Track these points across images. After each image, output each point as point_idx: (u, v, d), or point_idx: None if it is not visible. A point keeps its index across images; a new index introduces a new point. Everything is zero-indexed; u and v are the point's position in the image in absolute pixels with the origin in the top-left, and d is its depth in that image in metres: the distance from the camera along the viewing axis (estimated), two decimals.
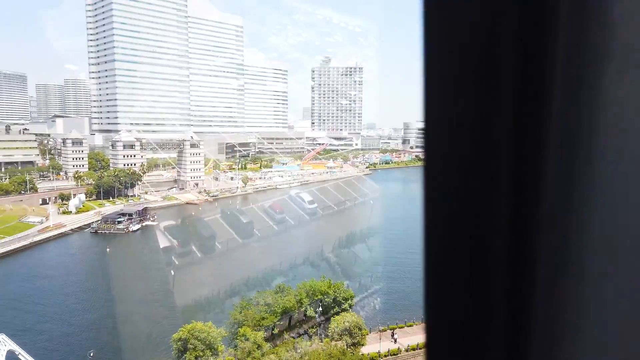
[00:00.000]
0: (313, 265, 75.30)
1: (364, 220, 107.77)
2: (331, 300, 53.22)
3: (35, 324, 59.22)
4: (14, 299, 69.61)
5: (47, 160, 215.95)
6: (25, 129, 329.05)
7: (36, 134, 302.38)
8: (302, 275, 67.40)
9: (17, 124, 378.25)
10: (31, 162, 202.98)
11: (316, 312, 52.79)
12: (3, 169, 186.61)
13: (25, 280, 79.05)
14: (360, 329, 48.96)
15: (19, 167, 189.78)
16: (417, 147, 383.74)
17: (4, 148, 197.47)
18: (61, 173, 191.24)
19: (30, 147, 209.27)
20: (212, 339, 42.59)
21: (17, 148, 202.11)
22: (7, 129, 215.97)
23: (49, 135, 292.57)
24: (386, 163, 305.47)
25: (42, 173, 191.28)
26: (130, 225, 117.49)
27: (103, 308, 65.49)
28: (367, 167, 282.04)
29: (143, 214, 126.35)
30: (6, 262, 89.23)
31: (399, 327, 56.71)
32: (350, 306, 54.57)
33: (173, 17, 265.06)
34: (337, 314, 51.59)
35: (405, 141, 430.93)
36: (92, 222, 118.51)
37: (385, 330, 55.59)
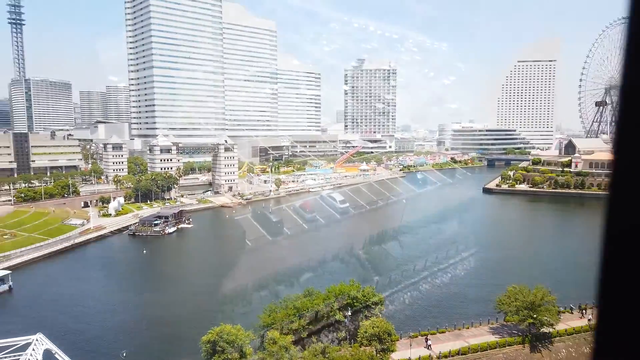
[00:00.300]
0: (343, 262, 74.98)
1: (396, 219, 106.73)
2: (361, 305, 52.60)
3: (74, 324, 61.28)
4: (54, 299, 72.29)
5: (89, 165, 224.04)
6: (70, 135, 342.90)
7: (79, 139, 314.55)
8: (331, 271, 67.41)
9: (62, 129, 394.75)
10: (75, 167, 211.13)
11: (345, 317, 52.25)
12: (49, 173, 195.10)
13: (67, 281, 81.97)
14: (389, 335, 48.13)
15: (63, 172, 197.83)
16: (452, 149, 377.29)
17: (50, 153, 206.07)
18: (102, 177, 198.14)
19: (73, 152, 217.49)
20: (241, 341, 42.80)
21: (61, 153, 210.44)
22: (52, 135, 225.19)
23: (91, 140, 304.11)
24: (420, 165, 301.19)
25: (84, 177, 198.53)
26: (167, 227, 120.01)
27: (136, 309, 67.08)
28: (400, 170, 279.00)
29: (178, 216, 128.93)
30: (50, 263, 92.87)
31: (431, 334, 55.49)
32: (381, 311, 53.74)
33: (209, 24, 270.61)
34: (367, 318, 50.90)
35: (440, 143, 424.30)
36: (130, 225, 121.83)
37: (416, 337, 54.48)
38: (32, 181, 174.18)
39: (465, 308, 64.51)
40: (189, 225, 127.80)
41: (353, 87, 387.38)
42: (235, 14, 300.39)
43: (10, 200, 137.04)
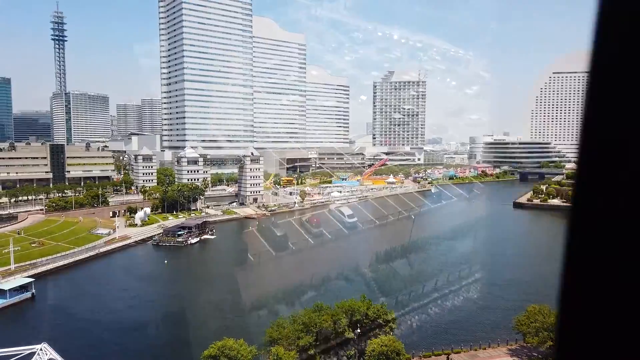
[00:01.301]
0: (347, 280, 73.11)
1: (406, 236, 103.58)
2: (370, 322, 51.12)
3: (84, 334, 62.08)
4: (71, 309, 73.57)
5: (121, 175, 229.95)
6: (105, 146, 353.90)
7: (113, 151, 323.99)
8: (335, 290, 65.76)
9: (98, 141, 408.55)
10: (107, 177, 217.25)
11: (354, 334, 50.84)
12: (82, 184, 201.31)
13: (87, 291, 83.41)
14: (399, 354, 46.45)
15: (96, 182, 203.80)
16: (483, 162, 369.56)
17: (84, 164, 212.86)
18: (132, 187, 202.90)
19: (107, 163, 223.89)
20: (243, 357, 42.08)
21: (95, 164, 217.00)
22: (87, 146, 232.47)
23: (124, 151, 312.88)
24: (450, 178, 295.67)
25: (116, 187, 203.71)
26: (189, 238, 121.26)
27: (146, 324, 67.43)
28: (429, 183, 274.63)
29: (202, 227, 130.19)
30: (74, 271, 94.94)
31: (445, 353, 53.41)
32: (392, 329, 52.08)
33: (239, 38, 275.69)
34: (376, 336, 49.36)
35: (471, 156, 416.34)
36: (155, 235, 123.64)
37: (429, 356, 52.48)
38: (65, 191, 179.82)
39: (482, 328, 61.95)
40: (212, 237, 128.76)
41: (381, 99, 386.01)
42: (265, 27, 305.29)
43: (42, 210, 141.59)
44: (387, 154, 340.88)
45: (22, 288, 78.31)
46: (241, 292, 70.86)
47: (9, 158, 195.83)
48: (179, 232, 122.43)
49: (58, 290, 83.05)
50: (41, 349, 39.10)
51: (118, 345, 58.03)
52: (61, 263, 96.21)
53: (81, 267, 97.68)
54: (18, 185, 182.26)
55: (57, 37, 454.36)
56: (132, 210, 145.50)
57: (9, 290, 75.50)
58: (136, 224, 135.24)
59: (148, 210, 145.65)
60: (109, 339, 59.62)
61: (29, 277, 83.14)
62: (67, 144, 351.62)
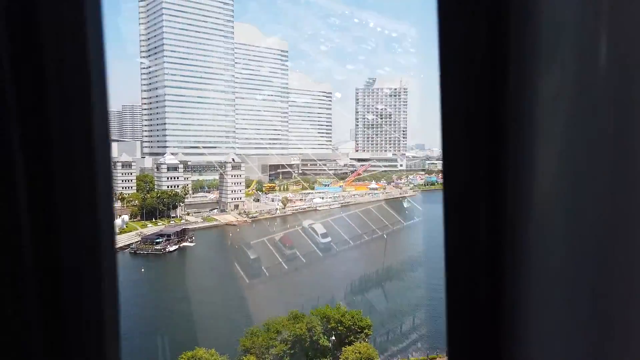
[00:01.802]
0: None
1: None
2: (346, 329, 50.81)
3: None
4: None
5: None
6: None
7: None
8: None
9: None
10: None
11: (330, 341, 50.48)
12: None
13: None
14: None
15: None
16: None
17: None
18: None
19: None
20: None
21: None
22: None
23: None
24: (431, 184, 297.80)
25: None
26: (168, 246, 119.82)
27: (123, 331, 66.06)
28: (410, 189, 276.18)
29: (181, 234, 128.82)
30: None
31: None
32: (367, 336, 51.87)
33: (220, 43, 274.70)
34: (351, 344, 49.08)
35: None
36: (132, 243, 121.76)
37: None
38: None
39: None
40: (191, 244, 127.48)
41: (363, 105, 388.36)
42: (247, 33, 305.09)
43: None
44: (369, 159, 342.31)
45: None
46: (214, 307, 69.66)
47: None
48: (157, 240, 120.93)
49: None
50: None
51: None
52: None
53: None
54: None
55: None
56: None
57: None
58: None
59: (126, 217, 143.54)
60: None
61: None
62: None
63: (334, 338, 50.21)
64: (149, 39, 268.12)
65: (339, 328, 50.52)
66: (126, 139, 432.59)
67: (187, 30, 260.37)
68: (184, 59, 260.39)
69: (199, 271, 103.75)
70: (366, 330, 51.60)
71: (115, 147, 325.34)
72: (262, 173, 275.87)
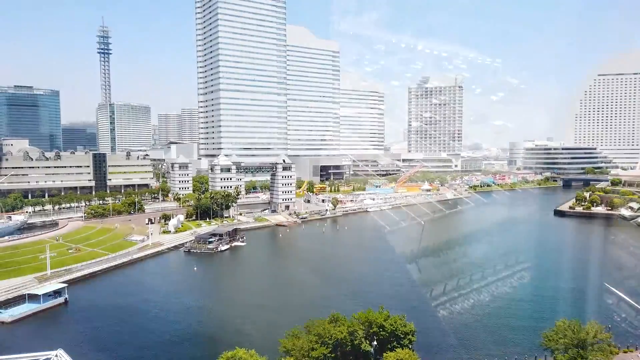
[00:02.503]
0: None
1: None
2: (388, 334, 49.62)
3: (104, 343, 63.67)
4: (101, 314, 75.59)
5: (159, 183, 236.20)
6: (146, 155, 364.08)
7: (154, 159, 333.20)
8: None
9: (140, 150, 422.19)
10: (146, 185, 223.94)
11: (372, 346, 49.51)
12: (122, 191, 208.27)
13: (118, 297, 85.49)
14: None
15: (136, 189, 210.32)
16: (524, 168, 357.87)
17: (124, 172, 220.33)
18: (169, 195, 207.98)
19: (146, 172, 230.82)
20: None
21: (135, 172, 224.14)
22: (128, 155, 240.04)
23: (164, 160, 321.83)
24: (488, 185, 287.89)
25: (154, 195, 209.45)
26: (220, 245, 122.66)
27: (170, 334, 68.26)
28: (465, 190, 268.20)
29: (232, 234, 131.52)
30: (108, 277, 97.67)
31: None
32: (411, 342, 50.38)
33: (273, 46, 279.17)
34: (393, 349, 47.87)
35: (511, 162, 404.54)
36: (186, 242, 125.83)
37: None
38: (106, 198, 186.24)
39: (508, 343, 59.27)
40: (242, 244, 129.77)
41: (417, 104, 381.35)
42: (299, 36, 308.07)
43: (81, 217, 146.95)
44: (422, 160, 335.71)
45: (56, 293, 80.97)
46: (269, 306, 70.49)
47: (55, 167, 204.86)
48: (210, 240, 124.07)
49: (90, 296, 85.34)
50: (56, 355, 40.01)
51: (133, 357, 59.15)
52: (95, 269, 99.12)
53: (114, 273, 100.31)
54: (62, 193, 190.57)
55: (102, 51, 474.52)
56: (167, 218, 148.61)
57: (43, 295, 78.20)
58: (169, 231, 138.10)
59: (182, 217, 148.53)
60: (126, 352, 60.78)
61: (63, 282, 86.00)
62: (111, 153, 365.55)
63: (375, 343, 49.23)
64: (205, 43, 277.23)
65: (381, 333, 49.48)
66: (185, 141, 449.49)
67: (241, 34, 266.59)
68: (238, 62, 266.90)
69: (247, 271, 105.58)
70: (410, 336, 50.15)
71: (174, 149, 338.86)
72: (314, 174, 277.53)
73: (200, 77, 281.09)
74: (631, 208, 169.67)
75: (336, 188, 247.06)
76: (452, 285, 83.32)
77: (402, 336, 50.17)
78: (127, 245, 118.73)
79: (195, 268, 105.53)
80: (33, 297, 78.57)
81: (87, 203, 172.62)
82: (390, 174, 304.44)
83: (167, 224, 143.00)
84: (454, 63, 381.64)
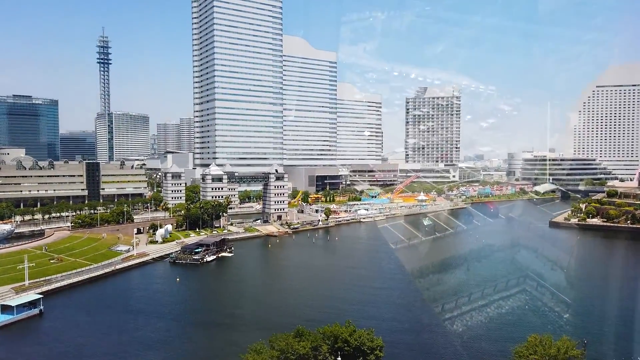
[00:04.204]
0: None
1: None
2: (352, 349, 48.06)
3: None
4: (74, 327, 74.11)
5: (151, 192, 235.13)
6: (143, 164, 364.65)
7: (150, 169, 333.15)
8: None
9: (138, 159, 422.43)
10: (140, 194, 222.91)
11: None
12: (116, 200, 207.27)
13: (94, 309, 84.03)
14: None
15: (129, 199, 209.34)
16: (523, 179, 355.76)
17: (118, 182, 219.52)
18: (162, 204, 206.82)
19: (139, 181, 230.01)
20: None
21: (128, 181, 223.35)
22: (122, 165, 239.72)
23: (159, 169, 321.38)
24: (485, 196, 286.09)
25: (147, 204, 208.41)
26: (206, 256, 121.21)
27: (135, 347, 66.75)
28: (462, 201, 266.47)
29: (220, 245, 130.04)
30: (88, 288, 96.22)
31: None
32: (378, 357, 48.80)
33: (269, 56, 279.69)
34: None
35: (510, 173, 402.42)
36: (172, 252, 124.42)
37: None
38: (97, 208, 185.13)
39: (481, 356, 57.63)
40: (230, 254, 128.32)
41: (414, 115, 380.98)
42: (296, 46, 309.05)
43: (67, 226, 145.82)
44: (419, 170, 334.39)
45: (31, 304, 79.46)
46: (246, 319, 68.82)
47: (48, 176, 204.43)
48: (196, 250, 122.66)
49: (67, 308, 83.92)
50: None
51: None
52: (76, 279, 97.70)
53: (95, 284, 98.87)
54: (55, 202, 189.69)
55: (102, 61, 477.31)
56: (155, 227, 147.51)
57: (17, 306, 76.72)
58: (157, 241, 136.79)
59: (170, 227, 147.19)
60: None
61: (41, 293, 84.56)
62: (109, 162, 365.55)
63: (340, 359, 47.65)
64: (201, 53, 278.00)
65: (346, 348, 47.91)
66: (182, 151, 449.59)
67: (237, 44, 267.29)
68: (234, 72, 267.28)
69: (229, 283, 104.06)
70: (377, 352, 48.59)
71: (170, 159, 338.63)
72: (309, 184, 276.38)
73: (196, 87, 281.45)
74: None
75: (331, 198, 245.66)
76: (433, 297, 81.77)
77: (368, 351, 48.62)
78: (112, 255, 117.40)
79: (178, 279, 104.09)
80: (7, 309, 77.11)
81: (78, 212, 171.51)
82: (388, 184, 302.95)
83: (155, 234, 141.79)
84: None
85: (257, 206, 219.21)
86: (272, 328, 57.50)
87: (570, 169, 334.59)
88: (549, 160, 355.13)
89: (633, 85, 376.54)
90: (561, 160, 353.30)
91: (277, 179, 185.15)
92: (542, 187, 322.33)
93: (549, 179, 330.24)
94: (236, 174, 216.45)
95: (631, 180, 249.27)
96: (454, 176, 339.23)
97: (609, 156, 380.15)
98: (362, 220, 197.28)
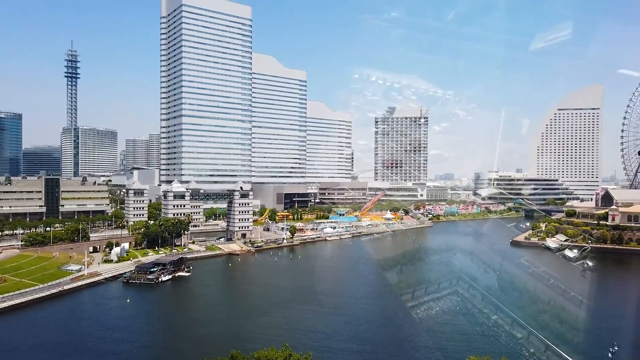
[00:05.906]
0: None
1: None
2: None
3: None
4: (13, 351, 70.30)
5: (113, 209, 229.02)
6: (109, 180, 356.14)
7: (115, 185, 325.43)
8: None
9: (104, 175, 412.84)
10: (102, 211, 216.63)
11: None
12: (75, 217, 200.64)
13: (34, 333, 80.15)
14: None
15: (90, 216, 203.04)
16: (489, 198, 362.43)
17: (78, 198, 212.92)
18: (124, 221, 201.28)
19: (101, 197, 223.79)
20: None
21: (90, 198, 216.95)
22: (83, 181, 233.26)
23: (124, 185, 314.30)
24: (451, 215, 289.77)
25: (108, 222, 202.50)
26: (162, 275, 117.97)
27: None
28: (429, 219, 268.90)
29: (177, 264, 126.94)
30: (33, 310, 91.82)
31: None
32: None
33: (238, 73, 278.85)
34: None
35: (476, 192, 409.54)
36: (126, 272, 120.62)
37: None
38: (54, 225, 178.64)
39: None
40: (187, 274, 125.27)
41: (383, 134, 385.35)
42: (266, 64, 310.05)
43: (18, 245, 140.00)
44: (388, 189, 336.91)
45: None
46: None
47: (4, 192, 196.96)
48: (152, 269, 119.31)
49: (3, 332, 79.79)
50: None
51: None
52: (19, 300, 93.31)
53: (40, 305, 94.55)
54: (11, 219, 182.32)
55: (70, 74, 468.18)
56: (112, 246, 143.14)
57: None
58: (112, 260, 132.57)
59: (126, 245, 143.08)
60: None
61: None
62: (72, 178, 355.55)
63: None
64: (168, 68, 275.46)
65: None
66: (151, 167, 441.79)
67: (205, 61, 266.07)
68: (201, 88, 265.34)
69: (181, 304, 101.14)
70: None
71: (136, 175, 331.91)
72: (278, 202, 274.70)
73: (164, 102, 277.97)
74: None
75: (299, 216, 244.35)
76: (383, 311, 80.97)
77: None
78: (61, 275, 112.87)
79: (128, 300, 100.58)
80: None
81: (23, 230, 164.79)
82: (357, 202, 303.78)
83: (111, 252, 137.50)
84: (404, 94, 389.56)
85: (223, 224, 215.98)
86: (207, 352, 55.65)
87: (534, 189, 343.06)
88: (514, 180, 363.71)
89: (592, 109, 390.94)
90: (525, 180, 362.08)
91: (242, 196, 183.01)
92: (506, 206, 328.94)
93: (513, 199, 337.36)
94: (201, 191, 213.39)
95: (591, 200, 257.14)
96: (422, 195, 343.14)
97: (571, 177, 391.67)
98: (327, 238, 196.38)
